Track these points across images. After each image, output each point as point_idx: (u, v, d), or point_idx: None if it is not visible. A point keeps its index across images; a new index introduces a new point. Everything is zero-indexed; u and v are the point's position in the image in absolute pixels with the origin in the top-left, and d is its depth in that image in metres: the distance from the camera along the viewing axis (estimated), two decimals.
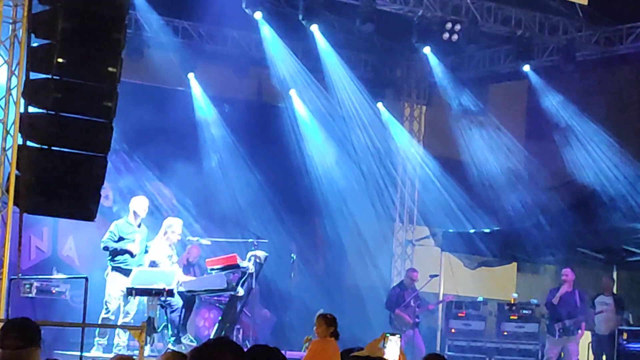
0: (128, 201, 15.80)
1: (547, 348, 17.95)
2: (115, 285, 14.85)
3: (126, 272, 14.74)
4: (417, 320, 18.66)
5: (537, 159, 20.33)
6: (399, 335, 8.39)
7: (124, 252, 14.91)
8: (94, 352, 14.64)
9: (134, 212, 15.18)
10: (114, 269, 14.95)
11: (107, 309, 14.88)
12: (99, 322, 14.73)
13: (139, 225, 15.19)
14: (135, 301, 14.84)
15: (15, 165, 12.32)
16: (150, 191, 19.05)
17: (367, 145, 21.12)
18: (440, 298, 20.55)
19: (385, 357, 7.72)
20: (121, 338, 14.68)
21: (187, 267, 16.91)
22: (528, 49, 19.39)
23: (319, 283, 20.56)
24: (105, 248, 14.98)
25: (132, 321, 14.62)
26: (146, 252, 15.16)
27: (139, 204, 15.31)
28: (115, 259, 14.96)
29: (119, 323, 14.62)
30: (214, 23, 19.44)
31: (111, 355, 14.22)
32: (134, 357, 11.02)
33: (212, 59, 20.15)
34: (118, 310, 14.88)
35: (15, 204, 12.54)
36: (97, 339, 14.90)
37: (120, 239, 14.98)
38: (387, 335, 8.16)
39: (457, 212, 20.62)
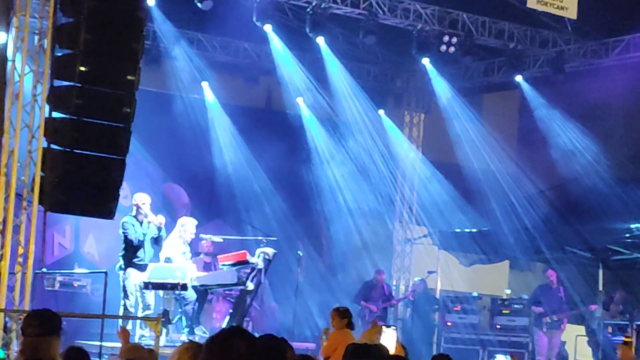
0: None
1: (537, 339, 18.57)
2: (131, 281, 14.78)
3: (140, 268, 14.80)
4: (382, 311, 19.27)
5: (528, 164, 20.46)
6: (394, 327, 8.79)
7: (138, 246, 14.85)
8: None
9: (137, 208, 15.00)
10: (130, 266, 14.84)
11: (125, 303, 14.84)
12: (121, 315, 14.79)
13: (142, 223, 14.89)
14: (152, 295, 14.96)
15: (40, 166, 12.60)
16: (166, 191, 19.58)
17: (369, 150, 21.37)
18: (438, 294, 21.12)
19: None
20: (144, 330, 14.64)
21: (208, 265, 17.10)
22: (520, 60, 19.69)
23: (323, 279, 20.92)
24: (130, 241, 14.77)
25: (152, 314, 14.65)
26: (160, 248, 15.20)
27: (140, 199, 15.09)
28: (131, 255, 14.81)
29: (139, 316, 14.74)
30: (227, 35, 19.84)
31: None
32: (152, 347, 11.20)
33: (224, 68, 20.54)
34: (136, 304, 14.87)
35: (40, 202, 12.73)
36: None
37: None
38: (383, 327, 8.54)
39: (453, 213, 20.90)
